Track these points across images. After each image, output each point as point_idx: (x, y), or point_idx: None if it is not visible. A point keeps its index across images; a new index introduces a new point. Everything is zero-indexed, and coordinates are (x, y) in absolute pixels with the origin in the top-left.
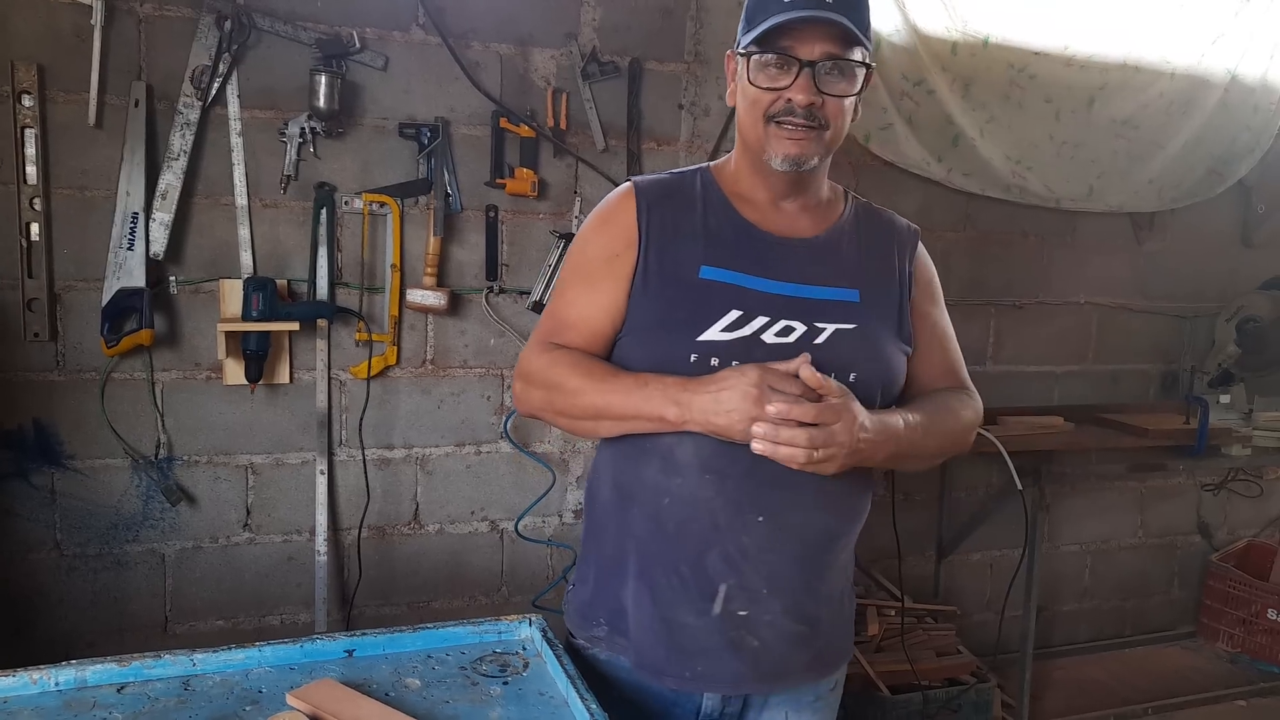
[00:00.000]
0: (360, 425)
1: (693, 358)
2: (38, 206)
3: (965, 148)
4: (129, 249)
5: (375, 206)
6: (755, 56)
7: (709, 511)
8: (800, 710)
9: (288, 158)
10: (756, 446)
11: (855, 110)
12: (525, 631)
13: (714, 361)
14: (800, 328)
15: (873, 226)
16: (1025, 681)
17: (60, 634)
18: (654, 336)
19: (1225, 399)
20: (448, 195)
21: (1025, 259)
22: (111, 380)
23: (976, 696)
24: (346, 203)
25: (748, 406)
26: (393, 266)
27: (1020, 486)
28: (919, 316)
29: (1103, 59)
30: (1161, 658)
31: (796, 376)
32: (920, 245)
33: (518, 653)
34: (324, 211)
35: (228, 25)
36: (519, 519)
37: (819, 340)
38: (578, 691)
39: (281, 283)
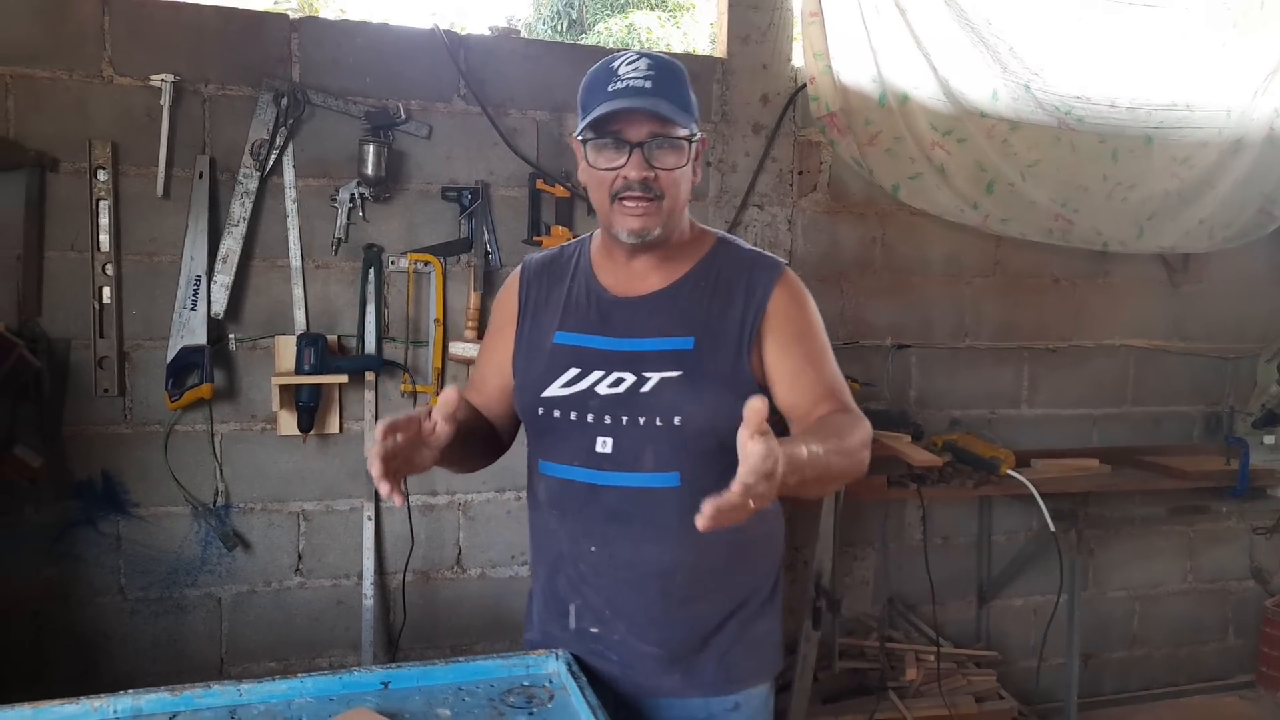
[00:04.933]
0: None
1: (539, 411)
2: (109, 272)
3: (1002, 193)
4: (192, 309)
5: (420, 265)
6: (591, 141)
7: (556, 540)
8: None
9: (338, 221)
10: (701, 524)
11: (696, 175)
12: (552, 666)
13: (555, 413)
14: (630, 378)
15: (728, 269)
16: None
17: (123, 674)
18: (519, 396)
19: (1269, 440)
20: (487, 253)
21: (1058, 302)
22: (174, 432)
23: None
24: (393, 262)
25: None
26: (436, 321)
27: (1054, 529)
28: (775, 350)
29: (1147, 102)
30: (1219, 708)
31: None
32: (783, 280)
33: (544, 685)
34: (372, 271)
35: (284, 102)
36: None
37: (645, 389)
38: None
39: (332, 338)
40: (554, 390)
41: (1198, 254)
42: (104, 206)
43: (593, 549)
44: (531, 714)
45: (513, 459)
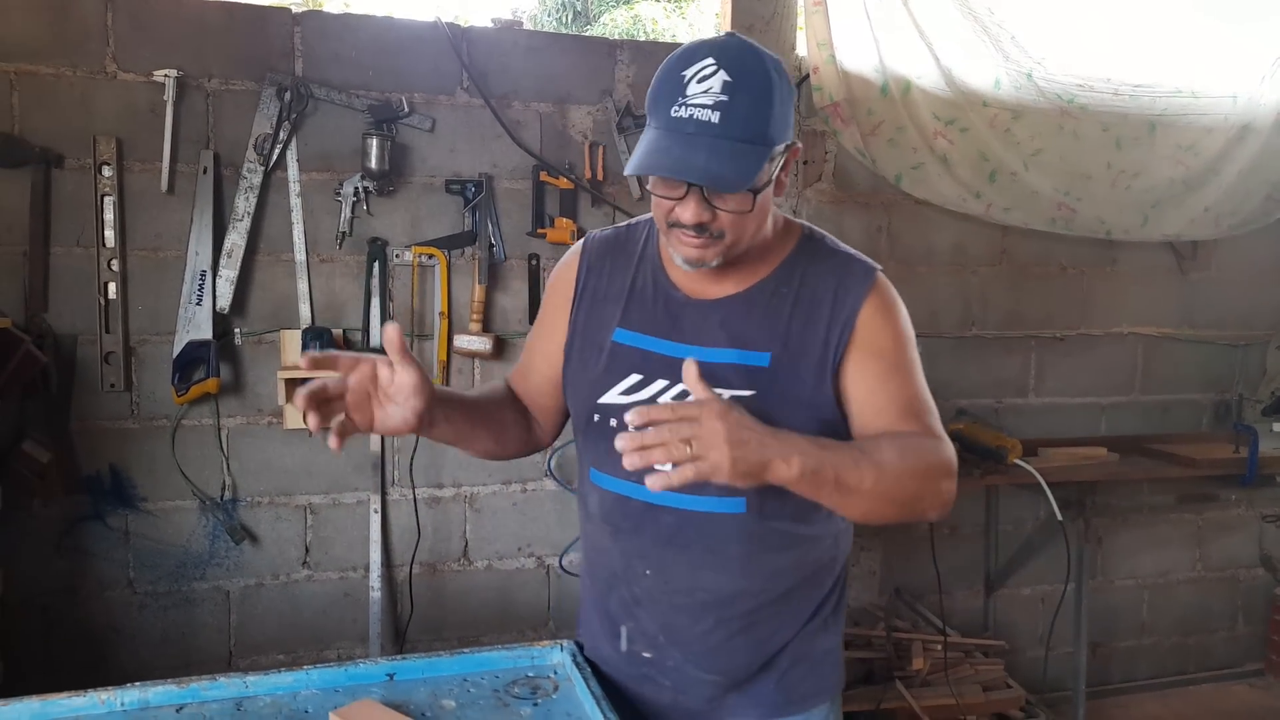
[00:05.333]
0: (411, 465)
1: (595, 418)
2: (115, 267)
3: (1005, 182)
4: (197, 304)
5: (424, 258)
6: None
7: (609, 559)
8: None
9: (343, 215)
10: (626, 461)
11: (780, 185)
12: (557, 657)
13: (612, 422)
14: None
15: (814, 274)
16: (1079, 718)
17: (132, 668)
18: (570, 394)
19: (1279, 427)
20: (492, 246)
21: (1065, 291)
22: (181, 427)
23: None
24: (397, 255)
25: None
26: (441, 314)
27: (1060, 517)
28: (855, 366)
29: (1151, 89)
30: (1228, 696)
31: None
32: (876, 289)
33: (549, 676)
34: (376, 264)
35: (287, 96)
36: (563, 554)
37: None
38: (602, 712)
39: (337, 332)
40: (612, 396)
41: (1207, 241)
42: (109, 202)
43: (647, 572)
44: (536, 704)
45: None
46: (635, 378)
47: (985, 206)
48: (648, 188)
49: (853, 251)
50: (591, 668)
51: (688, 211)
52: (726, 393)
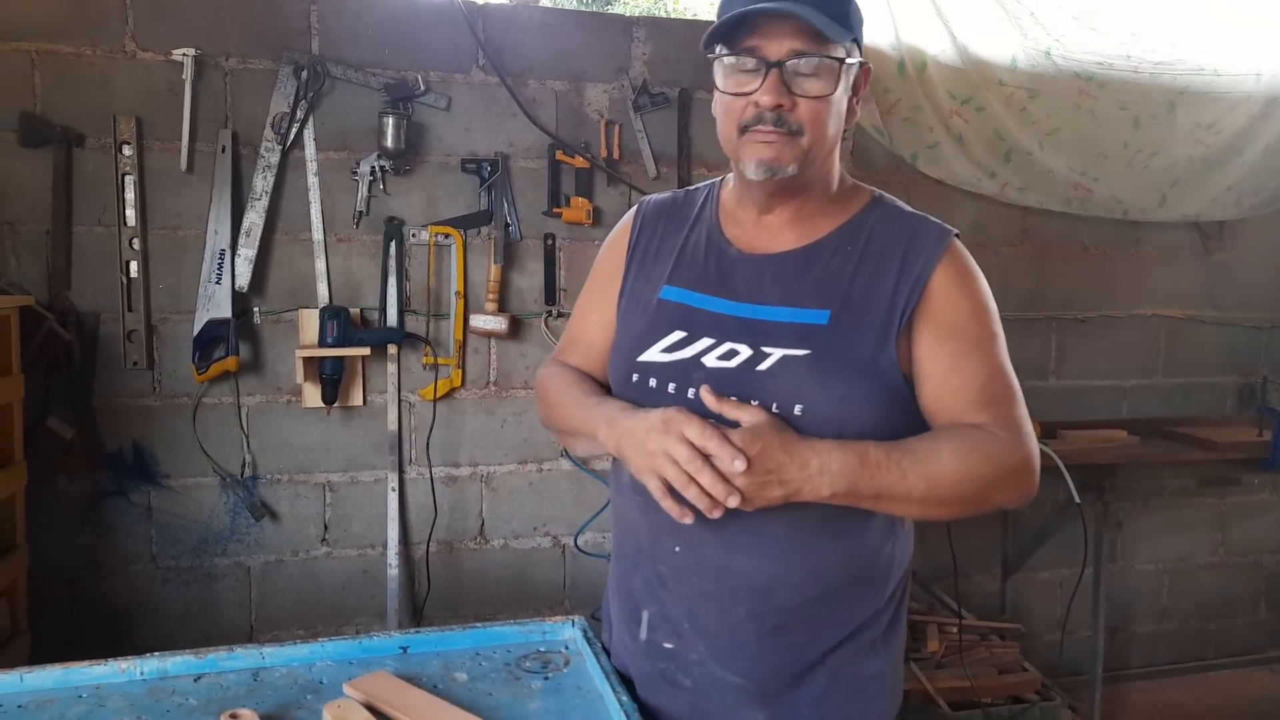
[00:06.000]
0: (428, 444)
1: (634, 378)
2: (136, 246)
3: (1020, 161)
4: (217, 283)
5: (440, 238)
6: (722, 59)
7: (636, 533)
8: None
9: (359, 195)
10: (650, 486)
11: (853, 111)
12: (568, 632)
13: (652, 382)
14: (745, 351)
15: (882, 233)
16: (1095, 702)
17: (155, 641)
18: (613, 356)
19: None
20: (508, 225)
21: (1087, 272)
22: (202, 404)
23: (1041, 714)
24: (414, 235)
25: (649, 439)
26: (457, 294)
27: (1078, 500)
28: (928, 341)
29: (1172, 66)
30: (1250, 681)
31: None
32: (950, 253)
33: (560, 651)
34: (393, 244)
35: (304, 75)
36: (578, 534)
37: (762, 366)
38: (611, 686)
39: (354, 311)
40: (653, 354)
41: (1232, 221)
42: (129, 181)
43: (677, 549)
44: (547, 678)
45: (533, 430)
46: (678, 335)
47: (1000, 186)
48: (719, 90)
49: (926, 215)
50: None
51: (766, 93)
52: (779, 352)
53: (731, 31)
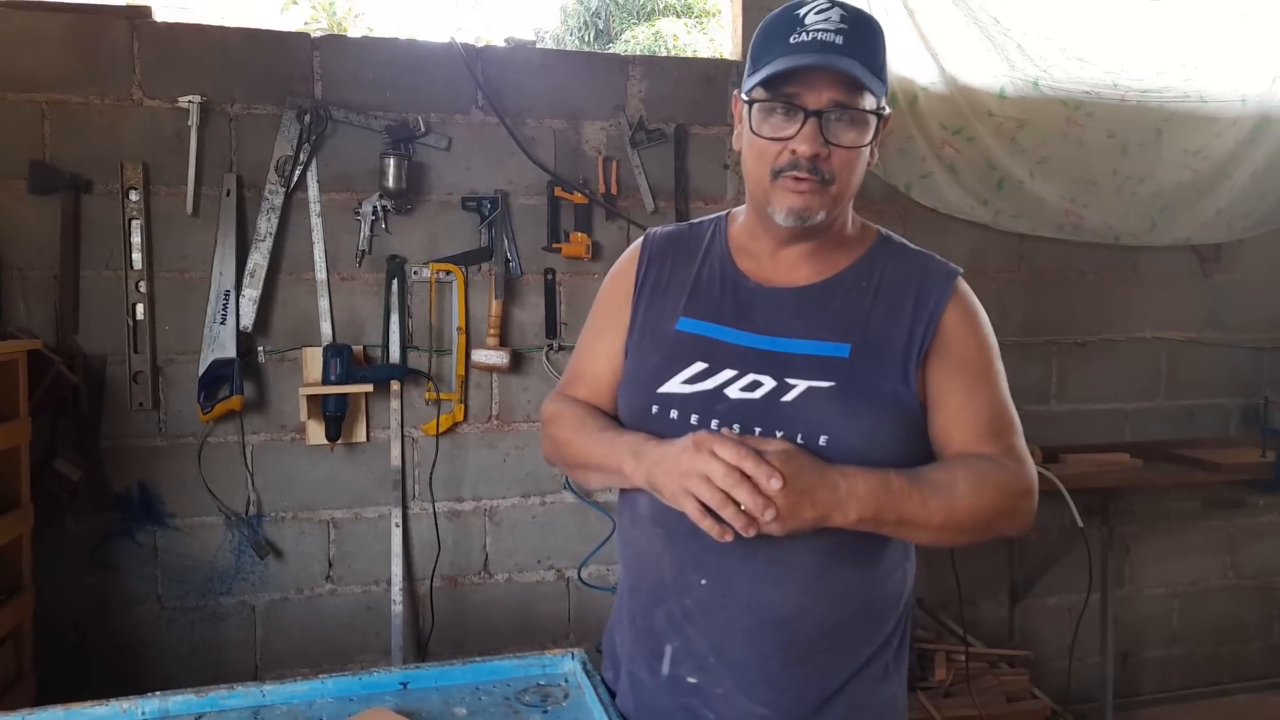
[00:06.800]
0: (431, 479)
1: (654, 409)
2: (142, 289)
3: (1012, 190)
4: (222, 323)
5: (442, 275)
6: (760, 104)
7: (658, 566)
8: None
9: (362, 234)
10: (686, 509)
11: (872, 155)
12: (568, 665)
13: (673, 414)
14: (769, 383)
15: (894, 271)
16: None
17: (161, 683)
18: (626, 389)
19: None
20: (508, 261)
21: (1085, 296)
22: (207, 444)
23: None
24: (415, 272)
25: (681, 460)
26: (459, 329)
27: (1081, 524)
28: (941, 374)
29: (1158, 94)
30: (1265, 706)
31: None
32: (958, 292)
33: (560, 684)
34: (395, 281)
35: (307, 119)
36: (581, 566)
37: (787, 397)
38: (609, 718)
39: (357, 348)
40: (674, 386)
41: (1231, 244)
42: (136, 226)
43: (703, 582)
44: (546, 712)
45: (536, 464)
46: (700, 366)
47: (993, 214)
48: (752, 131)
49: (932, 253)
50: (628, 695)
51: (805, 142)
52: (803, 383)
53: (772, 78)
